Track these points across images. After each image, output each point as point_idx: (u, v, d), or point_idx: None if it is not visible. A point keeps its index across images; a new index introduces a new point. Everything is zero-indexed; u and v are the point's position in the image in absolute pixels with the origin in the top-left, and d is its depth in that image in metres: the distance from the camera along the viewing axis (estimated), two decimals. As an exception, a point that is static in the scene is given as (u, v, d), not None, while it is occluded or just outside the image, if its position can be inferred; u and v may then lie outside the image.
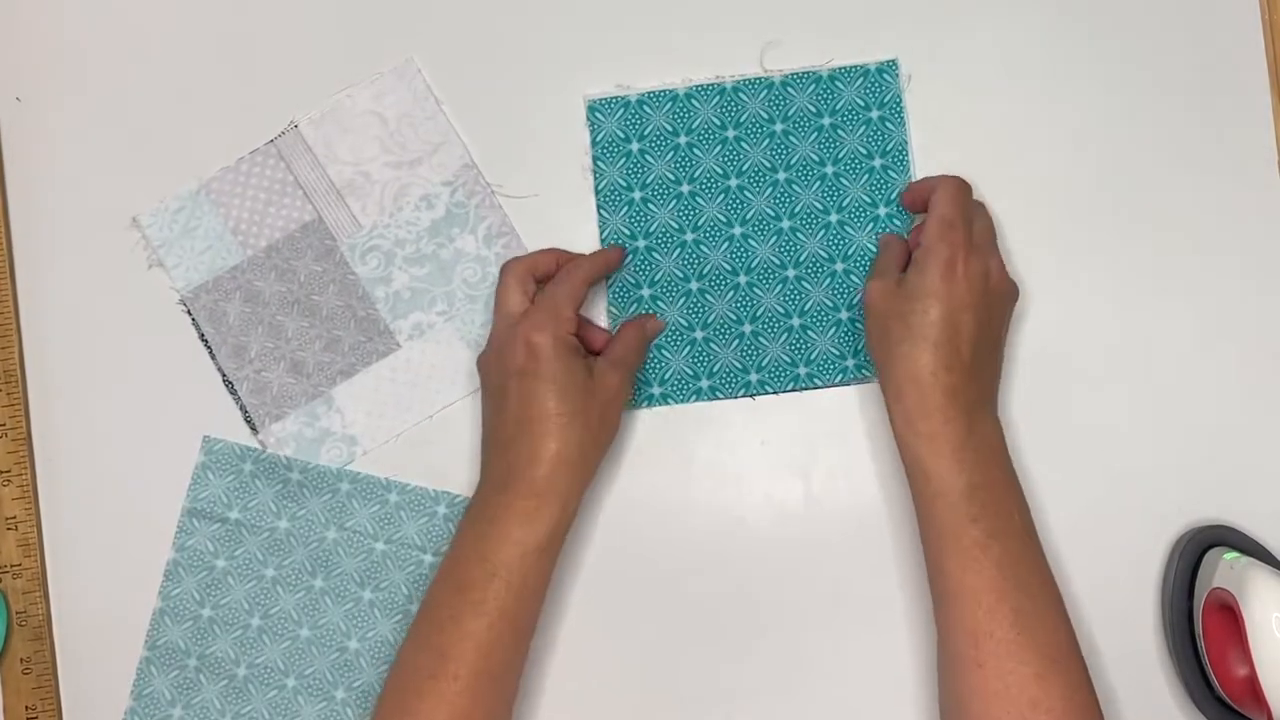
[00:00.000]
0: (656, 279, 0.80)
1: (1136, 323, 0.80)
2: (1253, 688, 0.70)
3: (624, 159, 0.81)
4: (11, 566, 0.80)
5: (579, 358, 0.74)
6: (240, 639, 0.79)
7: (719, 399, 0.80)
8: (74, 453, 0.81)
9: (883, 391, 0.73)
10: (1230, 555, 0.74)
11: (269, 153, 0.81)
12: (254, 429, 0.80)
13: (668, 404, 0.80)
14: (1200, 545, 0.77)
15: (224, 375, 0.81)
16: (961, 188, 0.76)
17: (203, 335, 0.81)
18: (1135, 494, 0.79)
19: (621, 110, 0.81)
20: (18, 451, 0.80)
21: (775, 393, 0.80)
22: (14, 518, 0.80)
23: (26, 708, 0.80)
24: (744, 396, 0.80)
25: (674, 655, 0.79)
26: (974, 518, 0.70)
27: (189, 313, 0.81)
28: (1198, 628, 0.75)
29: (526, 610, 0.73)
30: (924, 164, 0.80)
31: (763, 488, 0.80)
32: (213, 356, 0.81)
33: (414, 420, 0.81)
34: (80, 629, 0.80)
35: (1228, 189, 0.80)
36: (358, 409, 0.81)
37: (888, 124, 0.80)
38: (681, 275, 0.80)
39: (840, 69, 0.81)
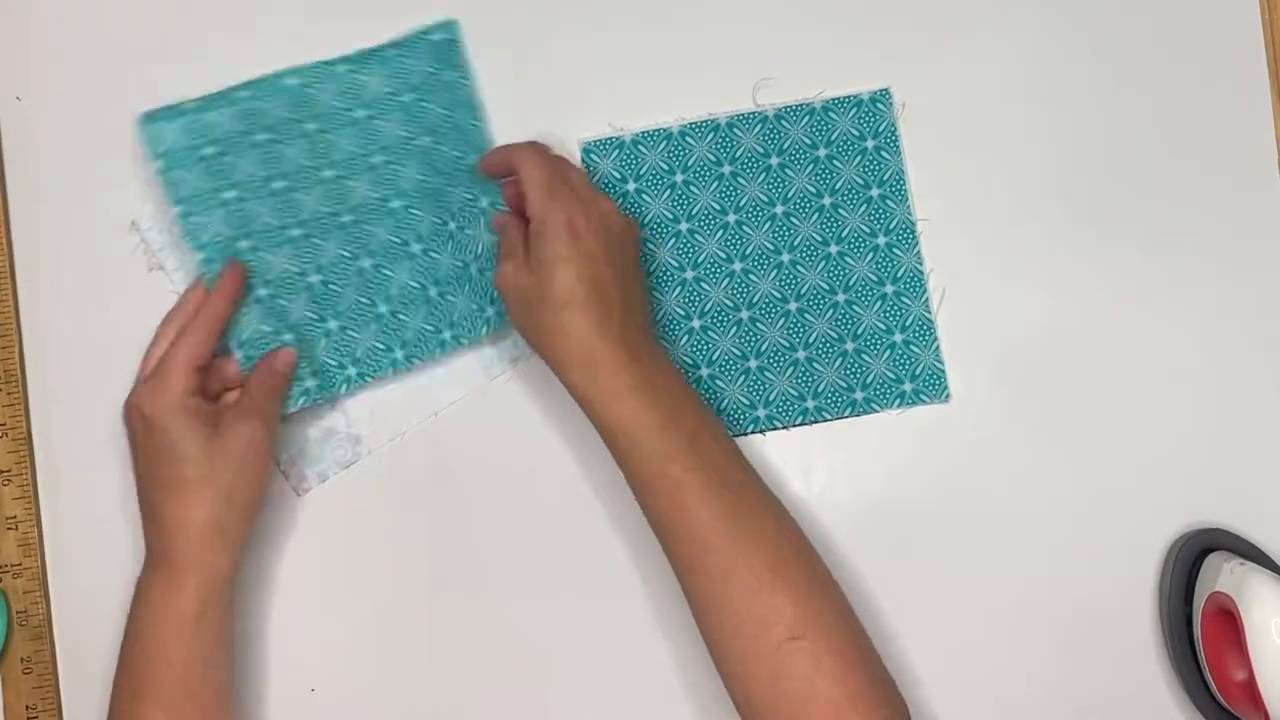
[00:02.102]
0: (660, 317, 0.80)
1: (1135, 324, 0.80)
2: (1251, 692, 0.70)
3: (621, 199, 0.80)
4: (12, 566, 0.80)
5: (197, 420, 0.73)
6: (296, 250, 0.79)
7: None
8: (74, 453, 0.80)
9: (552, 368, 0.72)
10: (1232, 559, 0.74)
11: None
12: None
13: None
14: (1196, 548, 0.77)
15: (226, 375, 0.81)
16: (543, 151, 0.76)
17: (204, 335, 0.81)
18: (1132, 496, 0.80)
19: (616, 151, 0.80)
20: (18, 451, 0.80)
21: (785, 428, 0.80)
22: (14, 517, 0.80)
23: (27, 707, 0.79)
24: (753, 433, 0.80)
25: (673, 654, 0.79)
26: (670, 457, 0.70)
27: (190, 314, 0.81)
28: (1196, 631, 0.75)
29: (198, 679, 0.72)
30: (921, 190, 0.80)
31: (762, 487, 0.80)
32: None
33: (418, 419, 0.80)
34: (80, 629, 0.80)
35: (1228, 189, 0.80)
36: (361, 408, 0.81)
37: (883, 153, 0.80)
38: (684, 313, 0.80)
39: (833, 100, 0.80)
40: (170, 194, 0.78)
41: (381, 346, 0.79)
